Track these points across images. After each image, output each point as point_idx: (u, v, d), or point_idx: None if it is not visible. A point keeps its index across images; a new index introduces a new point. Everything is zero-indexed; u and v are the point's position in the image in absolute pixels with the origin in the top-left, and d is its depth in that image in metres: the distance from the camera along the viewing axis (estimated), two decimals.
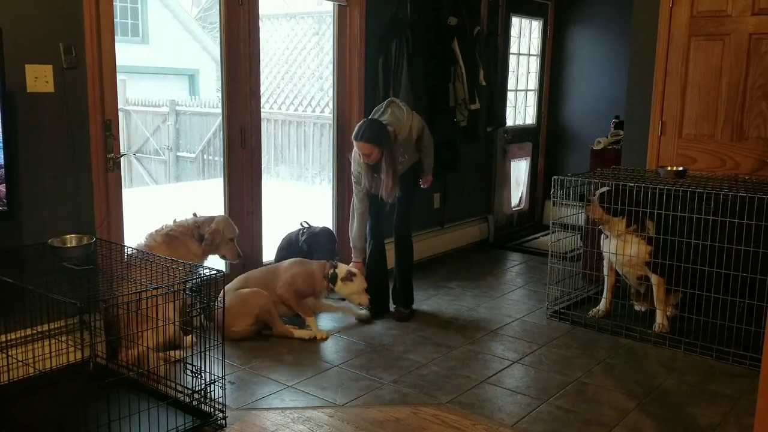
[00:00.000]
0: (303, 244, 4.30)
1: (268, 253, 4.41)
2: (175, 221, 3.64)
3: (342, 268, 3.91)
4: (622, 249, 3.93)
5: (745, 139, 4.17)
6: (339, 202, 4.88)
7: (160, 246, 3.42)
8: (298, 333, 3.76)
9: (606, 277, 4.13)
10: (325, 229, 4.40)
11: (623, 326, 3.94)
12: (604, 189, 3.91)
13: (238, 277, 3.92)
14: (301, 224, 4.41)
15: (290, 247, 4.35)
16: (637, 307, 4.18)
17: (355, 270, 3.95)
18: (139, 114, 10.64)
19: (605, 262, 4.11)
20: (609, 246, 4.00)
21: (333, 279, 3.88)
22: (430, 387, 3.23)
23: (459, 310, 4.34)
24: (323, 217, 5.04)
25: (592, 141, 5.92)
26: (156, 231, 3.56)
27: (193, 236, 3.63)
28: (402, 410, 2.99)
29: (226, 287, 3.76)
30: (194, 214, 3.72)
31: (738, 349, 3.54)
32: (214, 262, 3.81)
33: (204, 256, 3.69)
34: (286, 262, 3.98)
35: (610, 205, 3.86)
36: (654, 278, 3.90)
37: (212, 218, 3.71)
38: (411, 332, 3.94)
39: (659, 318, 3.92)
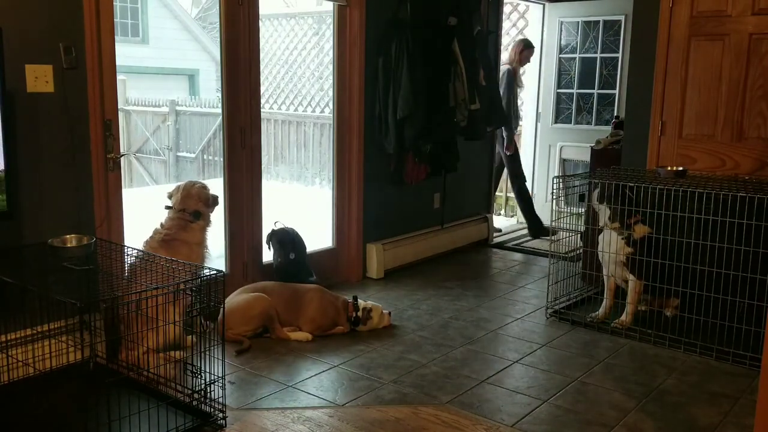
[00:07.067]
0: (269, 245, 4.30)
1: (268, 254, 4.40)
2: (162, 225, 3.54)
3: (360, 306, 3.88)
4: (607, 246, 3.96)
5: (745, 139, 4.17)
6: (339, 202, 4.88)
7: (159, 252, 3.39)
8: (295, 335, 3.76)
9: (606, 278, 4.12)
10: (281, 232, 4.30)
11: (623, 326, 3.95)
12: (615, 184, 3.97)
13: (255, 285, 3.90)
14: (274, 224, 4.39)
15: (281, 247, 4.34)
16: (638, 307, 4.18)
17: (369, 305, 3.91)
18: (139, 114, 10.64)
19: (602, 263, 4.12)
20: (601, 244, 4.02)
21: (356, 323, 3.87)
22: (430, 387, 3.24)
23: (459, 310, 4.34)
24: (323, 218, 5.05)
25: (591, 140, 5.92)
26: (150, 238, 3.49)
27: (188, 221, 3.51)
28: (402, 410, 2.99)
29: (239, 291, 3.81)
30: (166, 207, 3.60)
31: (738, 349, 3.54)
32: (215, 263, 3.81)
33: (204, 235, 3.59)
34: (310, 293, 3.87)
35: (604, 194, 3.96)
36: (631, 278, 3.92)
37: (185, 192, 3.56)
38: (411, 332, 3.94)
39: (624, 315, 3.98)
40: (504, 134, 6.10)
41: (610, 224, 3.94)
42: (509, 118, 6.04)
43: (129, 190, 7.97)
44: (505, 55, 6.38)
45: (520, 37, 6.60)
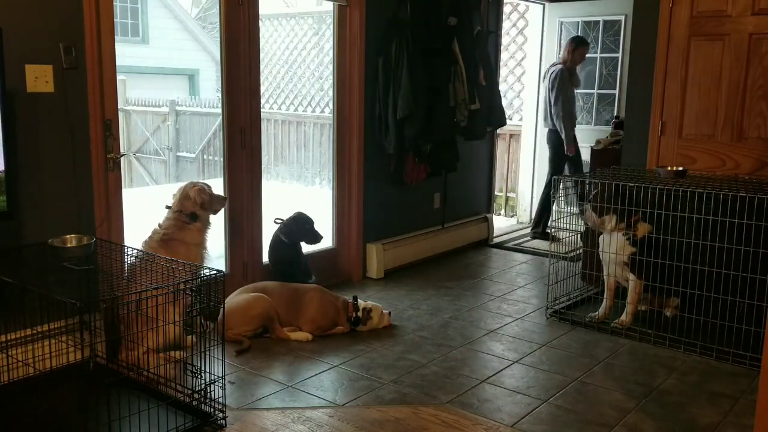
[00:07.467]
0: (282, 237, 4.27)
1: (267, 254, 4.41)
2: (159, 225, 3.55)
3: (360, 306, 3.87)
4: (608, 247, 3.96)
5: (745, 139, 4.17)
6: (339, 202, 4.88)
7: (158, 252, 3.38)
8: (295, 335, 3.76)
9: (606, 278, 4.12)
10: (295, 215, 4.33)
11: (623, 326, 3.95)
12: (595, 191, 3.94)
13: (256, 285, 3.90)
14: (275, 222, 4.39)
15: (277, 247, 4.32)
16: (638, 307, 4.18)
17: (369, 305, 3.91)
18: (139, 114, 10.64)
19: (603, 264, 4.12)
20: (602, 245, 4.02)
21: (356, 323, 3.86)
22: (430, 387, 3.24)
23: (459, 310, 4.34)
24: (323, 218, 5.04)
25: (591, 140, 5.93)
26: (150, 238, 3.49)
27: (185, 222, 3.52)
28: (402, 410, 2.99)
29: (239, 290, 3.80)
30: (167, 207, 3.61)
31: (738, 349, 3.54)
32: (215, 263, 3.81)
33: (203, 237, 3.59)
34: (310, 293, 3.87)
35: (602, 205, 3.90)
36: (631, 277, 3.93)
37: (183, 193, 3.57)
38: (411, 332, 3.94)
39: (624, 315, 3.97)
40: (562, 136, 5.87)
41: (619, 227, 3.91)
42: (563, 118, 5.83)
43: (129, 190, 7.98)
44: (505, 55, 6.37)
45: (573, 34, 6.39)
